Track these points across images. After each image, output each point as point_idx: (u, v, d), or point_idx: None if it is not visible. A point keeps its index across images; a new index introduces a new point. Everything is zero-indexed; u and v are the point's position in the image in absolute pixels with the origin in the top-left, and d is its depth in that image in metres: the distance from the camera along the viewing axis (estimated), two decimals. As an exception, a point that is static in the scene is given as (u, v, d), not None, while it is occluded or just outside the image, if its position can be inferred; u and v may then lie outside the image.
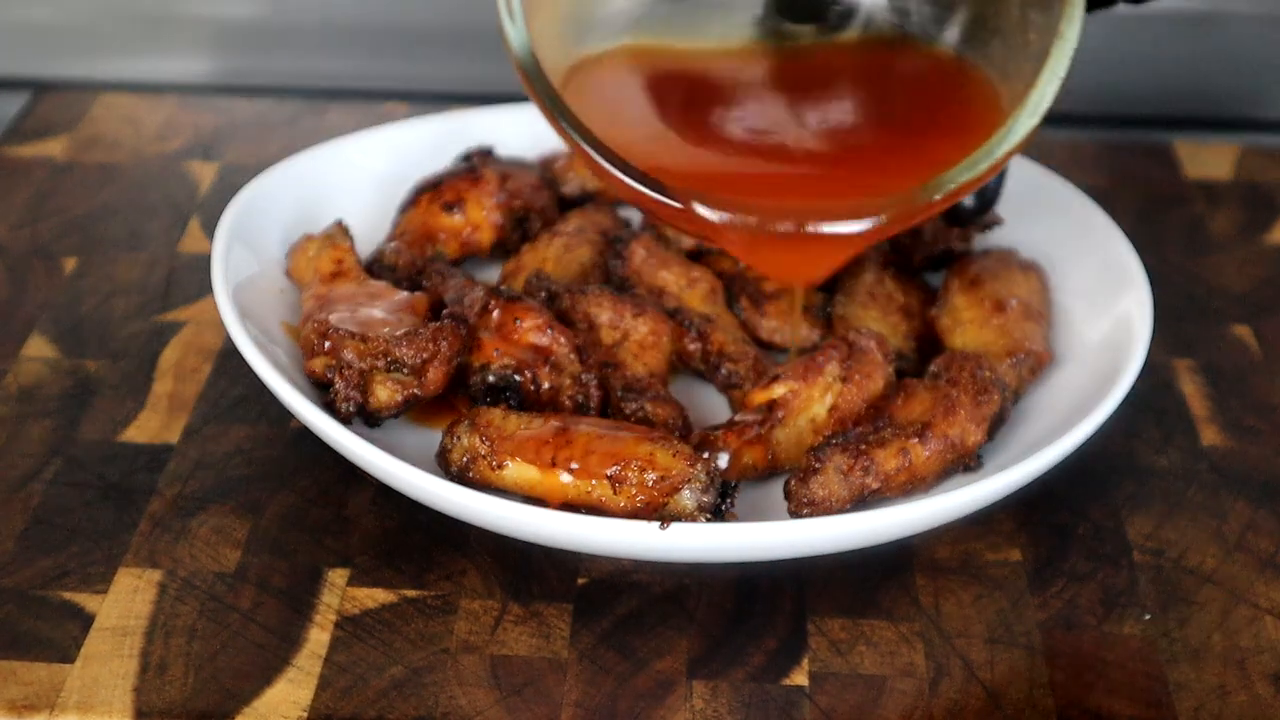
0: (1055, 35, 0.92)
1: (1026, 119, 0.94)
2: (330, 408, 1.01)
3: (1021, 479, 0.97)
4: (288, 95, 1.47)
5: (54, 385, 1.11)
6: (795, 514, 0.96)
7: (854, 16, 1.02)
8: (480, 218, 1.17)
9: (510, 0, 0.92)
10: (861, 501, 0.98)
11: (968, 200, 1.02)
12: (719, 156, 0.99)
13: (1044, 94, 0.93)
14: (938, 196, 0.93)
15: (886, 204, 0.93)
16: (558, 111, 0.93)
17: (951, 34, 1.01)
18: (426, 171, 1.20)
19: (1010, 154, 0.94)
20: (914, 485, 0.99)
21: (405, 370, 1.01)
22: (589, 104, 0.96)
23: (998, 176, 0.99)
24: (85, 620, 0.94)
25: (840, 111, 1.03)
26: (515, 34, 0.92)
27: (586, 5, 1.00)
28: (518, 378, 1.03)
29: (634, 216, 1.21)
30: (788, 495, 0.97)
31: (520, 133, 1.26)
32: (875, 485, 0.97)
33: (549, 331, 1.03)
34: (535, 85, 0.93)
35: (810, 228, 0.93)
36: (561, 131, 0.93)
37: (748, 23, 1.03)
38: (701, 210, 0.92)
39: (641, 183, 0.93)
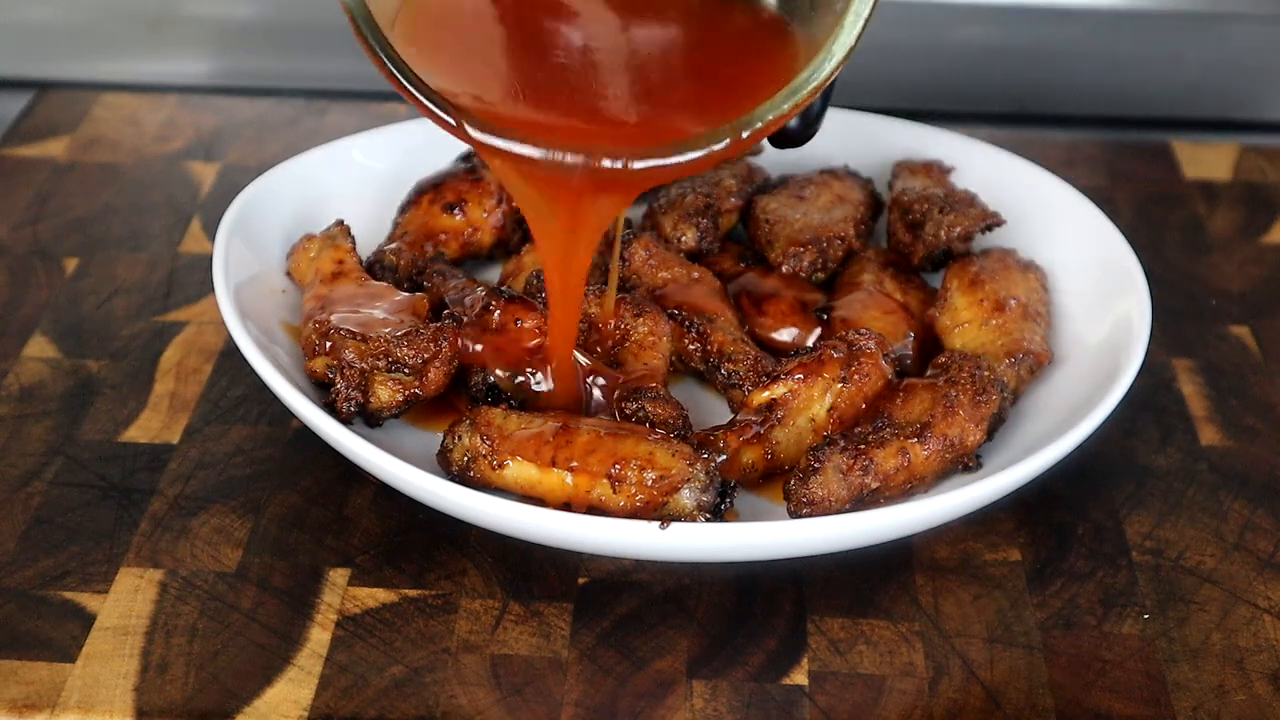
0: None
1: (829, 61, 0.91)
2: (331, 408, 1.01)
3: (1021, 479, 0.97)
4: (288, 95, 1.47)
5: (55, 385, 1.11)
6: (795, 514, 0.96)
7: None
8: (480, 218, 1.17)
9: None
10: (861, 501, 0.98)
11: (792, 122, 1.00)
12: (528, 90, 0.96)
13: (848, 35, 0.91)
14: (746, 134, 0.90)
15: (692, 142, 0.91)
16: (366, 30, 0.91)
17: None
18: (426, 171, 1.20)
19: (814, 93, 0.91)
20: (913, 485, 0.99)
21: (406, 370, 1.01)
22: (413, 33, 0.94)
23: (820, 100, 0.98)
24: (86, 620, 0.94)
25: (654, 52, 1.00)
26: None
27: None
28: (518, 378, 1.03)
29: (634, 216, 1.21)
30: (787, 495, 0.97)
31: (520, 133, 1.26)
32: (874, 485, 0.98)
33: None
34: (353, 12, 0.92)
35: (608, 163, 0.90)
36: (367, 49, 0.91)
37: None
38: (475, 134, 0.90)
39: (427, 100, 0.90)
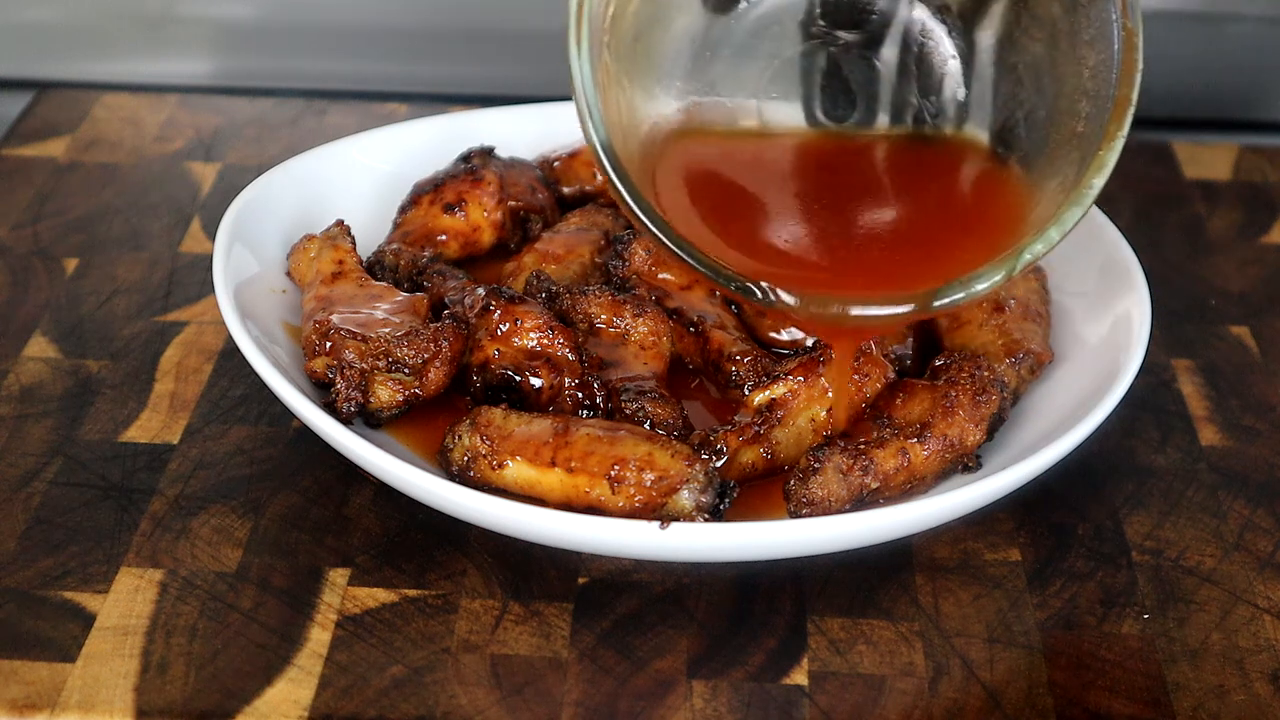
0: (1087, 172, 0.96)
1: (1041, 244, 0.96)
2: (331, 408, 1.01)
3: (1021, 479, 0.97)
4: (288, 96, 1.47)
5: (55, 385, 1.11)
6: (795, 514, 0.97)
7: (884, 108, 1.06)
8: (481, 218, 1.17)
9: (587, 100, 0.95)
10: (861, 501, 0.98)
11: None
12: (775, 247, 1.03)
13: (1063, 222, 0.96)
14: (938, 304, 0.96)
15: (909, 298, 0.96)
16: (642, 210, 0.97)
17: (989, 127, 1.05)
18: (426, 171, 1.20)
19: (1027, 267, 0.96)
20: (913, 485, 0.99)
21: (406, 370, 1.01)
22: (659, 196, 1.01)
23: None
24: (86, 620, 0.94)
25: (876, 201, 1.06)
26: (596, 132, 0.96)
27: (640, 98, 1.03)
28: (518, 378, 1.03)
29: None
30: (787, 495, 0.97)
31: (520, 133, 1.26)
32: (874, 485, 0.98)
33: (549, 332, 1.04)
34: (622, 186, 0.97)
35: (854, 310, 0.97)
36: (641, 227, 0.97)
37: (792, 103, 1.07)
38: (784, 300, 0.96)
39: (725, 279, 0.97)
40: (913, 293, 0.96)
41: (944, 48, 1.04)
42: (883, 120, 1.06)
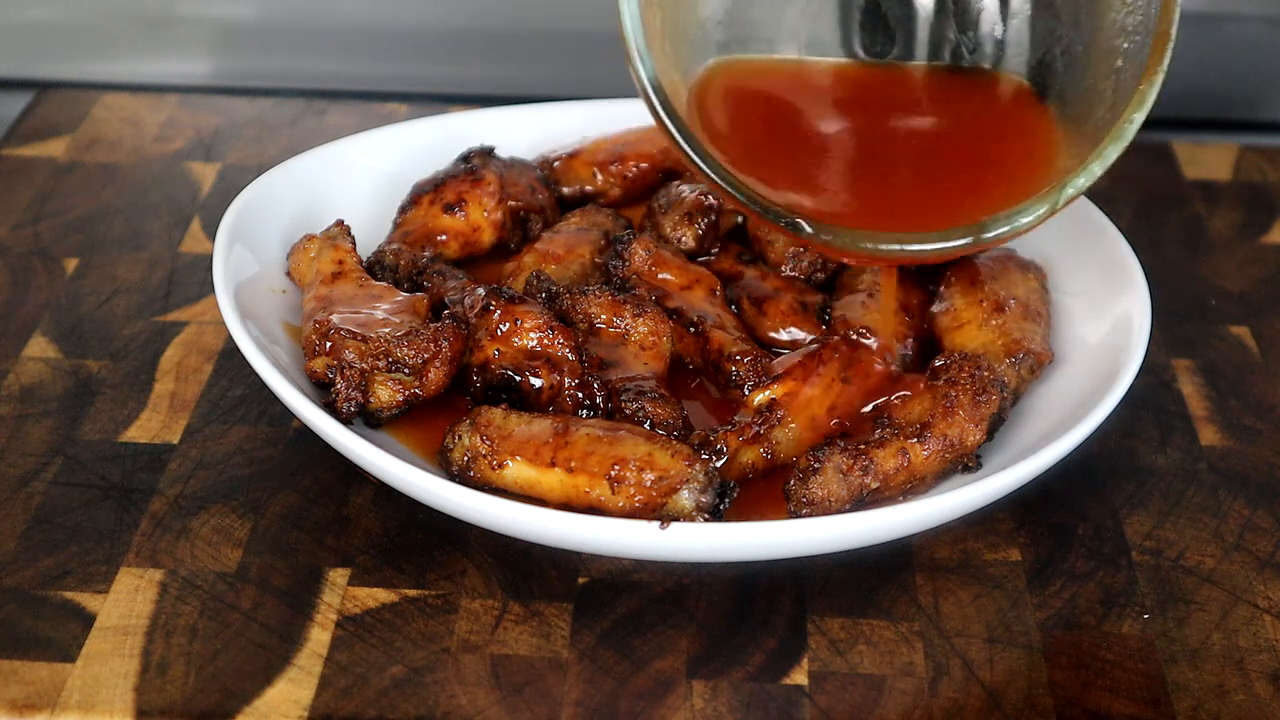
0: (1128, 107, 0.96)
1: (1084, 178, 0.97)
2: (331, 408, 1.01)
3: (1021, 479, 0.97)
4: (288, 96, 1.47)
5: (55, 385, 1.11)
6: (795, 514, 0.97)
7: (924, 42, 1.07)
8: (481, 218, 1.17)
9: (635, 39, 0.95)
10: (861, 501, 0.98)
11: None
12: (821, 184, 1.04)
13: (1104, 157, 0.97)
14: (989, 236, 0.97)
15: (964, 231, 0.97)
16: (693, 148, 0.98)
17: (1027, 67, 1.06)
18: (426, 171, 1.20)
19: (1070, 201, 0.97)
20: (913, 485, 0.99)
21: (406, 370, 1.01)
22: (705, 132, 1.01)
23: None
24: (86, 620, 0.94)
25: (918, 138, 1.07)
26: (645, 69, 0.97)
27: (683, 28, 1.04)
28: (518, 378, 1.03)
29: (634, 216, 1.21)
30: (787, 495, 0.97)
31: (520, 133, 1.26)
32: (874, 485, 0.98)
33: (549, 332, 1.04)
34: (671, 124, 0.97)
35: (906, 246, 0.98)
36: (693, 166, 0.98)
37: (830, 40, 1.08)
38: (830, 238, 0.97)
39: (775, 215, 0.98)
40: (963, 225, 0.96)
41: None
42: (921, 56, 1.07)
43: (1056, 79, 1.03)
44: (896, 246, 0.97)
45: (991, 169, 1.03)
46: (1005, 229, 0.96)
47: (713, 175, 0.97)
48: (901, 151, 1.05)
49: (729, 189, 0.97)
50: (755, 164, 1.01)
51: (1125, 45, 0.97)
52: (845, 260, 1.10)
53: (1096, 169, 0.96)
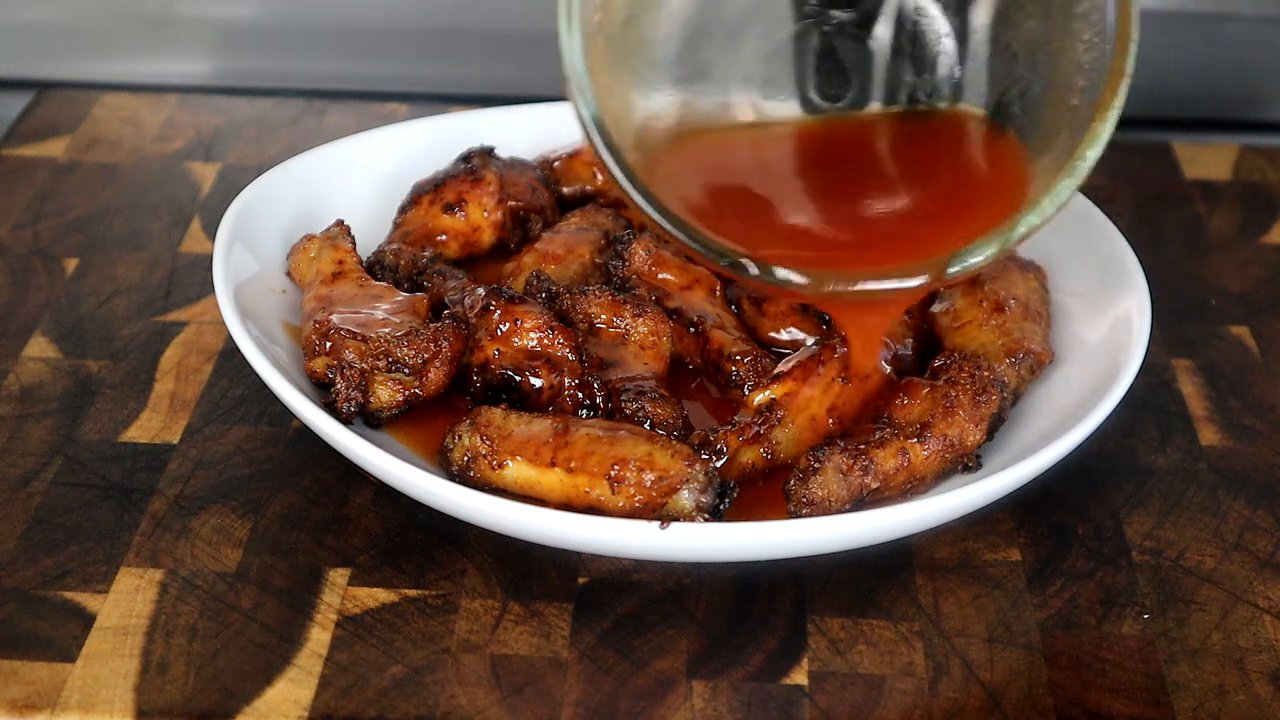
0: (1081, 144, 0.95)
1: (1035, 216, 0.96)
2: (331, 408, 1.01)
3: (1021, 479, 0.97)
4: (288, 95, 1.47)
5: (55, 385, 1.11)
6: (795, 514, 0.97)
7: (880, 87, 1.06)
8: (481, 218, 1.17)
9: (577, 76, 0.94)
10: (861, 501, 0.98)
11: None
12: (771, 226, 1.02)
13: (1057, 193, 0.96)
14: (956, 270, 0.96)
15: (921, 268, 0.96)
16: (634, 185, 0.96)
17: (986, 98, 1.05)
18: (426, 171, 1.20)
19: (1022, 239, 0.96)
20: (913, 485, 0.99)
21: (406, 370, 1.01)
22: (651, 171, 1.00)
23: None
24: (86, 620, 0.94)
25: (874, 178, 1.06)
26: (585, 103, 0.95)
27: (633, 65, 1.02)
28: (518, 378, 1.03)
29: (634, 216, 1.21)
30: (787, 495, 0.97)
31: (520, 133, 1.26)
32: (874, 485, 0.98)
33: (549, 332, 1.04)
34: (611, 159, 0.96)
35: (856, 286, 0.97)
36: (632, 201, 0.96)
37: (785, 83, 1.06)
38: (779, 277, 0.96)
39: (716, 253, 0.96)
40: (921, 262, 0.96)
41: (938, 26, 1.04)
42: (877, 101, 1.06)
43: (1015, 120, 1.02)
44: (849, 287, 0.96)
45: (951, 208, 1.02)
46: (957, 268, 0.95)
47: (654, 213, 0.96)
48: (858, 193, 1.04)
49: (671, 228, 0.96)
50: (702, 205, 1.00)
51: (1082, 83, 0.97)
52: (799, 300, 1.09)
53: (1049, 206, 0.95)
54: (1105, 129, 0.95)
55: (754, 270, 0.95)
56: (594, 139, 0.95)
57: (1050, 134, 0.98)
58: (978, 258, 0.95)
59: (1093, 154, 0.95)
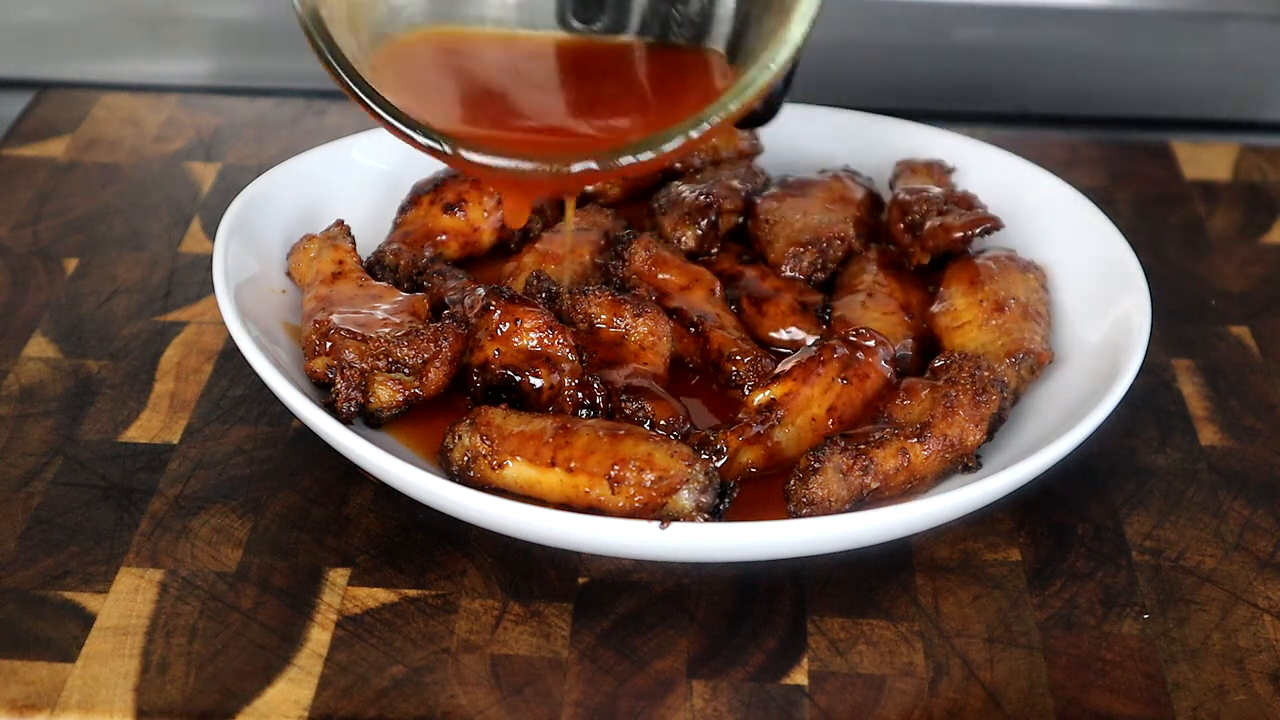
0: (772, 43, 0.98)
1: (782, 50, 0.97)
2: (331, 408, 1.01)
3: (1021, 479, 0.97)
4: (288, 95, 1.47)
5: (55, 385, 1.11)
6: (795, 514, 0.97)
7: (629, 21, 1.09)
8: (480, 218, 1.17)
9: None
10: (861, 501, 0.98)
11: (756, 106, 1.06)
12: (498, 118, 1.07)
13: (793, 30, 0.97)
14: (705, 126, 0.97)
15: (652, 140, 0.98)
16: (339, 62, 1.00)
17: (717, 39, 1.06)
18: (426, 172, 1.21)
19: (769, 84, 0.97)
20: (913, 485, 0.99)
21: (406, 370, 1.01)
22: (386, 75, 1.03)
23: (782, 85, 1.03)
24: (86, 620, 0.94)
25: (593, 85, 1.09)
26: None
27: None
28: (518, 378, 1.03)
29: (634, 216, 1.21)
30: (787, 495, 0.97)
31: (520, 133, 1.26)
32: (874, 485, 0.98)
33: (549, 332, 1.04)
34: (319, 45, 1.00)
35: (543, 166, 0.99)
36: (327, 68, 1.00)
37: (544, 7, 1.09)
38: (472, 158, 0.99)
39: (412, 128, 0.99)
40: (606, 149, 0.98)
41: None
42: (631, 29, 1.08)
43: (742, 45, 1.04)
44: (539, 166, 0.97)
45: (652, 117, 1.04)
46: (647, 153, 0.97)
47: (354, 88, 0.98)
48: (574, 97, 1.07)
49: (370, 102, 0.98)
50: (419, 95, 1.03)
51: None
52: (490, 181, 1.11)
53: (732, 104, 0.97)
54: (791, 32, 0.96)
55: (446, 148, 0.98)
56: (306, 24, 1.00)
57: (759, 50, 1.00)
58: (669, 144, 0.97)
59: (776, 56, 0.97)
